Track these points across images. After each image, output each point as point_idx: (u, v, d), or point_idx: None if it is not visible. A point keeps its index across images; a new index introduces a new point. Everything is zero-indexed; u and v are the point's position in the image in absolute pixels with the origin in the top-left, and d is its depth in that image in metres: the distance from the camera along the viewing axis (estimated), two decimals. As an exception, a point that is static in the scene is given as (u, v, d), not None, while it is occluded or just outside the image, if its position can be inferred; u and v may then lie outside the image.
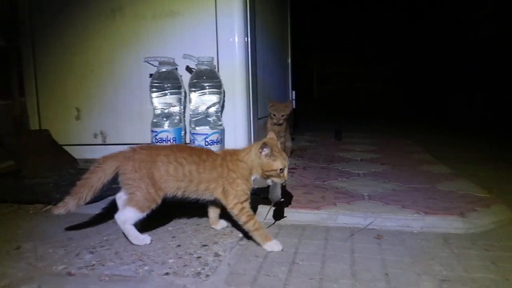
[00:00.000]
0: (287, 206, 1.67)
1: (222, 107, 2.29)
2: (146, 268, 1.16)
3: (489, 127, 5.40)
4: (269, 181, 1.40)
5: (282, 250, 1.29)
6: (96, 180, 1.34)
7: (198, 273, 1.13)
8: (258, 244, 1.32)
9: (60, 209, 1.33)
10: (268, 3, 3.04)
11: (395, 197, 1.81)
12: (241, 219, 1.32)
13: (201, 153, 1.41)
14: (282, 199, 1.47)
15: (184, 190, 1.36)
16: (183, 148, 1.46)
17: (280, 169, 1.34)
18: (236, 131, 2.33)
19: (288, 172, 1.40)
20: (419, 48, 7.27)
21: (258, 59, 2.63)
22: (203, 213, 1.54)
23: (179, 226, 1.51)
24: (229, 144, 2.28)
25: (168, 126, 2.18)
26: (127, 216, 1.33)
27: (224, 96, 2.29)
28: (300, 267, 1.18)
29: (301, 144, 3.64)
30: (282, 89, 3.70)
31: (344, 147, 3.48)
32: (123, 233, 1.36)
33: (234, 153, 1.42)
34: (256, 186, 1.44)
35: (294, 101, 4.21)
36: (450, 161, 2.79)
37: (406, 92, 7.44)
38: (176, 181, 1.35)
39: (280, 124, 2.75)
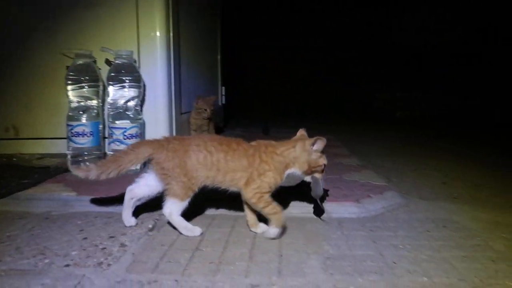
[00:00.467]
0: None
1: (143, 101, 2.29)
2: (47, 261, 1.16)
3: (418, 122, 5.90)
4: (307, 178, 1.44)
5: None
6: (127, 161, 1.37)
7: (100, 263, 1.15)
8: (274, 226, 1.34)
9: (80, 172, 1.35)
10: (194, -1, 3.07)
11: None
12: (259, 206, 1.35)
13: (231, 143, 1.43)
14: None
15: (213, 179, 1.39)
16: (214, 138, 1.47)
17: (324, 165, 1.43)
18: (158, 125, 2.35)
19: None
20: (358, 50, 7.71)
21: (182, 54, 2.65)
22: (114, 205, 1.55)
23: (89, 220, 1.51)
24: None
25: (85, 120, 2.13)
26: (171, 208, 1.35)
27: (144, 90, 2.29)
28: (203, 253, 1.25)
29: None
30: (209, 84, 3.74)
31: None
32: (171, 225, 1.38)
33: (269, 145, 1.46)
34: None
35: (224, 97, 4.29)
36: (363, 154, 3.04)
37: (340, 92, 7.83)
38: (205, 170, 1.37)
39: (210, 118, 2.83)
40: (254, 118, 5.71)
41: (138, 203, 1.47)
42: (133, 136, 2.15)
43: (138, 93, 2.19)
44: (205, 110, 2.77)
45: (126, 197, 1.43)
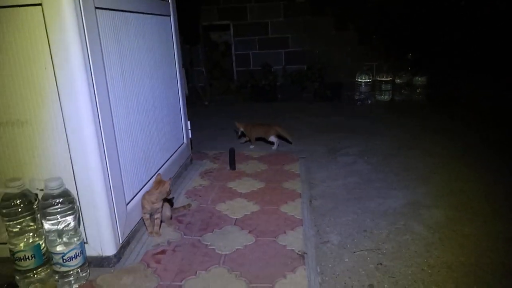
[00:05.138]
0: None
1: (79, 219, 2.35)
2: None
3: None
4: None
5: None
6: None
7: None
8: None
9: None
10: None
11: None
12: None
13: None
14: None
15: None
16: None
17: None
18: (99, 225, 2.40)
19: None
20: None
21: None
22: None
23: None
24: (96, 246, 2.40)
25: (24, 246, 2.22)
26: None
27: (78, 212, 2.33)
28: None
29: (193, 186, 3.78)
30: (168, 138, 3.69)
31: (232, 187, 3.69)
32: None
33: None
34: None
35: (190, 131, 4.29)
36: (331, 200, 3.12)
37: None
38: None
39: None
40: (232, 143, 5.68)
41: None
42: (73, 258, 2.25)
43: (73, 219, 2.25)
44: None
45: None
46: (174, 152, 3.80)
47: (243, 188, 3.66)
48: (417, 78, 7.63)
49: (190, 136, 4.28)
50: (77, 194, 2.35)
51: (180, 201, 3.46)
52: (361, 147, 4.85)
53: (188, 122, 4.25)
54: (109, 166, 2.42)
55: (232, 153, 4.17)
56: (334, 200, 3.44)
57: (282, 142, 4.96)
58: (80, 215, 2.37)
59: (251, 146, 4.88)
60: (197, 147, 4.96)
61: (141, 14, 3.02)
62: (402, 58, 7.83)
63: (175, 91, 3.92)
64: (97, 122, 2.30)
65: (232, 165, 4.16)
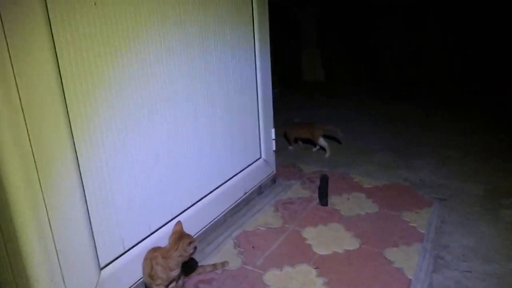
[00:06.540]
0: None
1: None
2: None
3: None
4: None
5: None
6: None
7: None
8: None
9: None
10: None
11: None
12: None
13: None
14: None
15: None
16: None
17: None
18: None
19: None
20: None
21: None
22: None
23: None
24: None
25: None
26: None
27: None
28: None
29: (254, 225, 2.67)
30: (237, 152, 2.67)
31: (308, 239, 2.46)
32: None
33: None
34: None
35: (274, 142, 3.20)
36: None
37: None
38: None
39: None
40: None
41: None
42: None
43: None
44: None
45: None
46: (237, 174, 2.77)
47: (322, 246, 2.40)
48: None
49: (274, 149, 3.16)
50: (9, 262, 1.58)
51: (222, 248, 2.43)
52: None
53: (272, 130, 3.12)
54: (51, 218, 1.55)
55: (324, 182, 2.88)
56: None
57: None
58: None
59: (290, 147, 4.09)
60: (296, 157, 3.81)
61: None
62: None
63: (251, 93, 2.83)
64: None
65: (323, 199, 2.89)
